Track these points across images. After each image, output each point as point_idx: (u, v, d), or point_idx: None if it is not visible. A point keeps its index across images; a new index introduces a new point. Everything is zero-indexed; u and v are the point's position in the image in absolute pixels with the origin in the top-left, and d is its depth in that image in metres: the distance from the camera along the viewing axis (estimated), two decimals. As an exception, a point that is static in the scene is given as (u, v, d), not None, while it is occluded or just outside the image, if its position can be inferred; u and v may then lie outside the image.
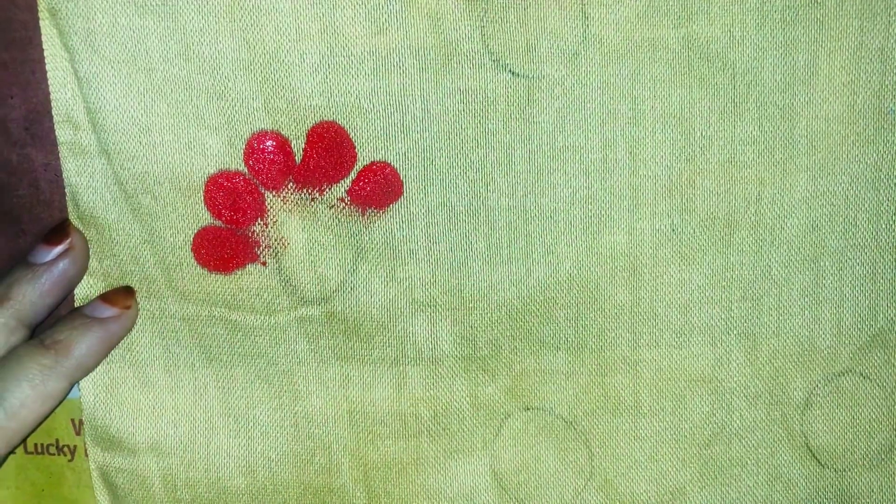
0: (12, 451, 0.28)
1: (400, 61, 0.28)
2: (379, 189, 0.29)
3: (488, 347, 0.30)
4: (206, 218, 0.29)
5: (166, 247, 0.29)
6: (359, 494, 0.30)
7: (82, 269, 0.29)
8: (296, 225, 0.29)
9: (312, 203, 0.29)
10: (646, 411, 0.30)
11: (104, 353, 0.28)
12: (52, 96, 0.28)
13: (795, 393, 0.30)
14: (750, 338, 0.29)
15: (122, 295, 0.29)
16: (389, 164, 0.28)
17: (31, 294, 0.28)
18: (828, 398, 0.30)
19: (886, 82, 0.28)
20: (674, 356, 0.30)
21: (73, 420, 0.30)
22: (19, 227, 0.30)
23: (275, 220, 0.29)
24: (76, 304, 0.29)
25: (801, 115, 0.28)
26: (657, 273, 0.29)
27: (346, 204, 0.29)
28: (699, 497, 0.31)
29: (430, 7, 0.27)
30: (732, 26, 0.27)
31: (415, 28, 0.27)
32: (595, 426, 0.30)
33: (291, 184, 0.29)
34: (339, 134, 0.28)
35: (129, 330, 0.29)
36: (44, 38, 0.28)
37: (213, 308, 0.29)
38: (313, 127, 0.28)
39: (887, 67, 0.28)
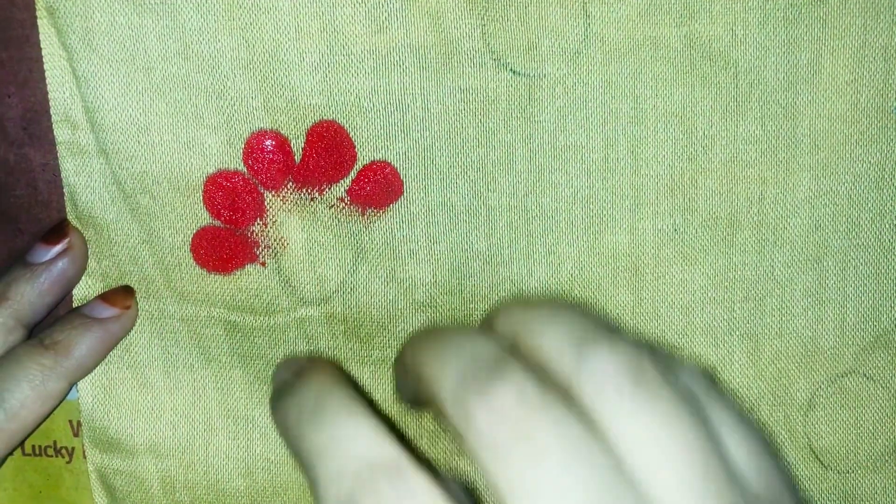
0: (11, 453, 0.28)
1: (400, 60, 0.27)
2: (379, 189, 0.28)
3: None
4: (204, 218, 0.29)
5: (165, 247, 0.29)
6: (359, 496, 0.30)
7: (81, 269, 0.29)
8: (295, 225, 0.29)
9: (312, 203, 0.29)
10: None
11: (104, 354, 0.28)
12: (50, 95, 0.28)
13: (798, 394, 0.30)
14: (752, 338, 0.29)
15: (121, 295, 0.29)
16: (389, 164, 0.28)
17: (30, 294, 0.28)
18: (831, 399, 0.30)
19: (890, 81, 0.27)
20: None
21: (71, 421, 0.30)
22: (17, 227, 0.30)
23: (274, 220, 0.29)
24: (74, 305, 0.29)
25: (804, 114, 0.28)
26: (659, 273, 0.29)
27: (346, 204, 0.29)
28: None
29: (431, 5, 0.27)
30: (735, 25, 0.27)
31: (415, 26, 0.27)
32: None
33: (291, 183, 0.28)
34: (339, 133, 0.28)
35: (129, 330, 0.29)
36: (42, 37, 0.27)
37: (211, 309, 0.29)
38: (313, 126, 0.28)
39: (891, 66, 0.27)
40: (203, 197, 0.28)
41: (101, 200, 0.28)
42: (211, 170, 0.28)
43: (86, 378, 0.29)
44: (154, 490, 0.30)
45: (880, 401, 0.29)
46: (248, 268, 0.29)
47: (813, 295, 0.29)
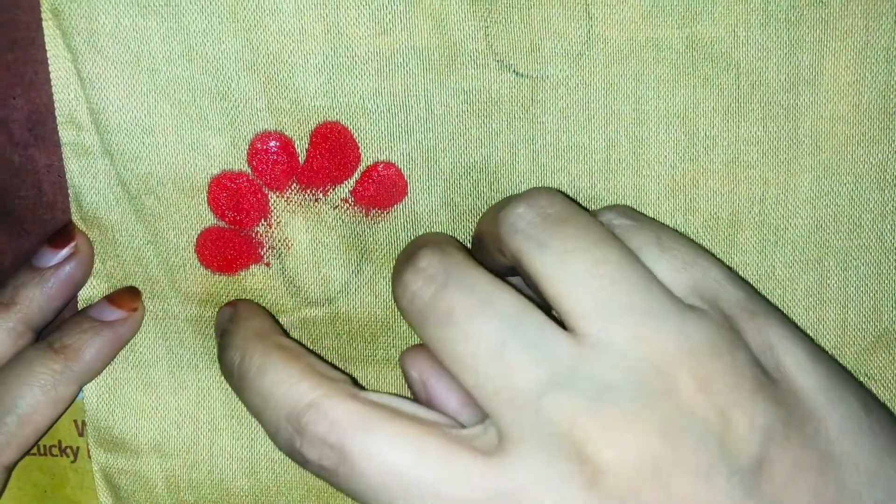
0: (22, 457, 0.28)
1: (404, 62, 0.27)
2: (383, 189, 0.29)
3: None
4: (209, 219, 0.29)
5: (170, 248, 0.29)
6: (362, 495, 0.30)
7: (87, 272, 0.29)
8: (299, 226, 0.29)
9: (316, 204, 0.29)
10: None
11: (112, 356, 0.29)
12: (55, 97, 0.28)
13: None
14: (754, 338, 0.29)
15: (128, 297, 0.29)
16: (393, 165, 0.28)
17: (38, 298, 0.28)
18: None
19: (892, 82, 0.28)
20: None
21: (76, 421, 0.30)
22: (22, 229, 0.30)
23: (278, 220, 0.29)
24: (78, 305, 0.29)
25: (806, 115, 0.28)
26: (661, 273, 0.29)
27: (350, 204, 0.29)
28: None
29: (434, 7, 0.27)
30: (737, 26, 0.27)
31: (419, 28, 0.27)
32: None
33: (295, 184, 0.29)
34: (343, 134, 0.28)
35: (136, 331, 0.29)
36: (47, 39, 0.27)
37: (216, 309, 0.29)
38: (317, 127, 0.28)
39: (893, 67, 0.27)
40: (207, 198, 0.28)
41: (106, 201, 0.29)
42: (215, 171, 0.28)
43: (90, 378, 0.29)
44: (158, 489, 0.30)
45: (882, 401, 0.30)
46: (253, 268, 0.29)
47: (814, 295, 0.29)
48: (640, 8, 0.27)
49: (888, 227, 0.29)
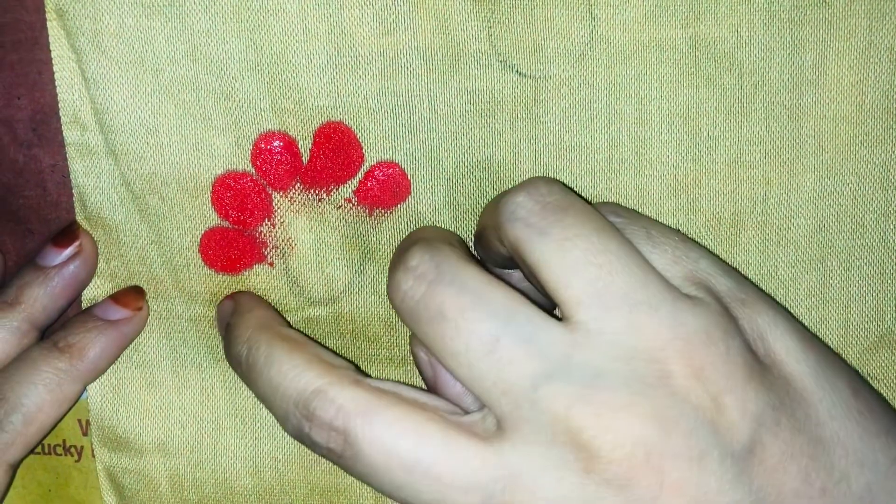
0: (27, 456, 0.28)
1: (407, 62, 0.28)
2: (386, 189, 0.29)
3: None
4: (213, 219, 0.29)
5: (174, 247, 0.29)
6: (365, 494, 0.30)
7: (92, 272, 0.29)
8: (303, 225, 0.29)
9: (320, 204, 0.29)
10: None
11: (117, 355, 0.29)
12: (60, 97, 0.28)
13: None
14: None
15: (132, 296, 0.29)
16: (396, 164, 0.28)
17: (43, 297, 0.28)
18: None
19: None
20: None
21: (80, 420, 0.30)
22: (27, 228, 0.30)
23: (282, 220, 0.29)
24: (82, 305, 0.29)
25: (809, 115, 0.28)
26: (664, 273, 0.29)
27: (354, 204, 0.29)
28: None
29: (438, 8, 0.27)
30: (740, 26, 0.27)
31: (422, 29, 0.27)
32: None
33: (299, 184, 0.29)
34: (347, 134, 0.28)
35: (140, 331, 0.29)
36: (51, 40, 0.28)
37: (220, 308, 0.29)
38: (320, 127, 0.28)
39: (896, 67, 0.28)
40: (211, 198, 0.29)
41: (110, 201, 0.29)
42: (219, 171, 0.28)
43: (94, 378, 0.29)
44: (162, 488, 0.30)
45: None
46: (257, 268, 0.29)
47: (817, 295, 0.29)
48: (642, 8, 0.27)
49: (891, 227, 0.29)
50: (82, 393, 0.28)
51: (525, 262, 0.22)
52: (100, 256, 0.29)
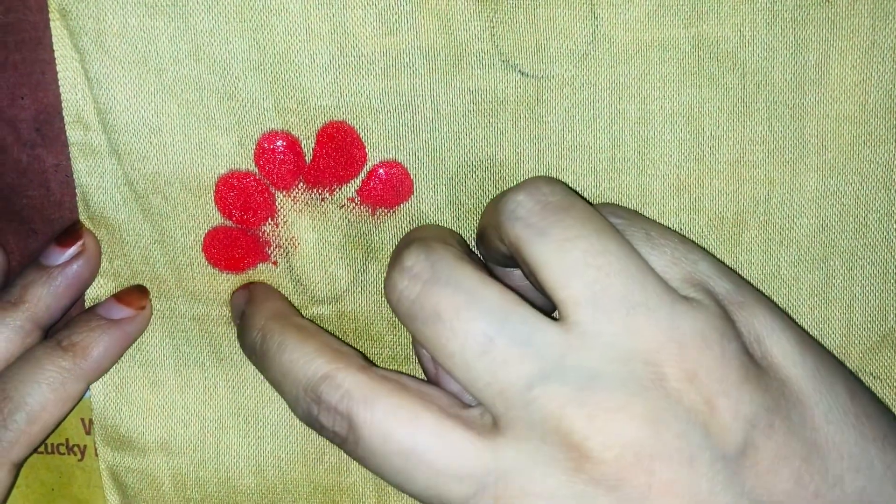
0: (30, 455, 0.28)
1: (410, 62, 0.28)
2: (389, 188, 0.29)
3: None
4: (216, 218, 0.29)
5: (177, 247, 0.29)
6: (368, 493, 0.31)
7: (95, 271, 0.29)
8: (306, 225, 0.29)
9: (323, 203, 0.29)
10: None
11: (120, 354, 0.29)
12: (63, 97, 0.28)
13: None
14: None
15: (136, 295, 0.29)
16: (399, 164, 0.28)
17: (46, 297, 0.28)
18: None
19: (898, 82, 0.28)
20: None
21: (83, 419, 0.31)
22: (30, 228, 0.30)
23: (285, 219, 0.29)
24: (86, 304, 0.29)
25: (812, 115, 0.28)
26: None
27: (356, 204, 0.29)
28: None
29: (441, 8, 0.27)
30: (742, 26, 0.27)
31: (425, 29, 0.27)
32: None
33: (302, 184, 0.29)
34: (349, 134, 0.28)
35: (143, 330, 0.29)
36: (54, 39, 0.28)
37: (223, 308, 0.29)
38: (323, 127, 0.28)
39: (899, 67, 0.28)
40: (215, 197, 0.29)
41: (114, 201, 0.29)
42: (222, 170, 0.28)
43: (97, 376, 0.29)
44: (165, 487, 0.31)
45: (887, 400, 0.30)
46: (260, 267, 0.29)
47: (819, 294, 0.29)
48: (645, 8, 0.27)
49: (894, 226, 0.29)
50: (86, 392, 0.28)
51: (524, 261, 0.23)
52: (103, 256, 0.29)
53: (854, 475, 0.22)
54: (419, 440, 0.22)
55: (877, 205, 0.28)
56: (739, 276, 0.24)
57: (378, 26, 0.27)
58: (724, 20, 0.27)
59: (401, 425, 0.22)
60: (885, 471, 0.22)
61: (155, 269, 0.29)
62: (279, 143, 0.28)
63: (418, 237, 0.24)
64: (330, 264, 0.29)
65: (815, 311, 0.29)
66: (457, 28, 0.27)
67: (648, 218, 0.25)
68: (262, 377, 0.27)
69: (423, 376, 0.28)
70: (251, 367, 0.30)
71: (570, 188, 0.24)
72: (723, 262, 0.25)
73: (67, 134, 0.28)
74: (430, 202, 0.29)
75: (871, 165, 0.28)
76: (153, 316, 0.30)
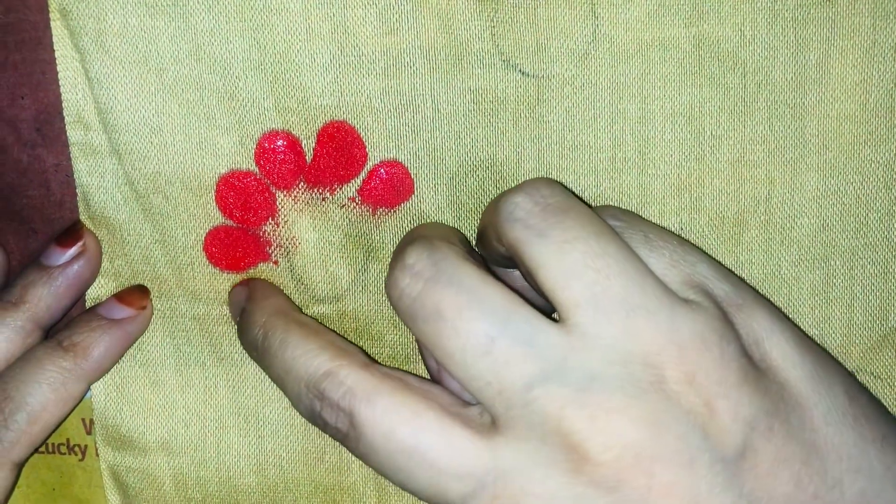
0: (31, 455, 0.28)
1: (411, 61, 0.28)
2: (389, 188, 0.29)
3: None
4: (217, 218, 0.29)
5: (178, 246, 0.29)
6: (369, 492, 0.31)
7: (96, 271, 0.29)
8: (307, 224, 0.29)
9: (323, 202, 0.29)
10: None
11: (121, 354, 0.29)
12: (63, 97, 0.28)
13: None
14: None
15: (136, 295, 0.29)
16: (400, 163, 0.28)
17: (47, 297, 0.28)
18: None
19: (899, 81, 0.28)
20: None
21: (83, 419, 0.31)
22: (30, 227, 0.30)
23: (286, 219, 0.29)
24: (86, 304, 0.29)
25: (813, 114, 0.28)
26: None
27: (357, 203, 0.29)
28: None
29: (441, 7, 0.27)
30: (743, 25, 0.27)
31: (426, 28, 0.27)
32: None
33: (302, 183, 0.29)
34: (350, 133, 0.28)
35: (144, 330, 0.29)
36: (55, 39, 0.28)
37: (223, 307, 0.29)
38: (324, 126, 0.28)
39: (900, 66, 0.28)
40: (215, 197, 0.29)
41: (114, 201, 0.29)
42: (223, 170, 0.28)
43: (98, 376, 0.29)
44: (166, 487, 0.31)
45: (887, 399, 0.30)
46: (261, 266, 0.29)
47: (820, 294, 0.29)
48: (646, 7, 0.27)
49: (895, 226, 0.29)
50: (86, 392, 0.28)
51: (523, 262, 0.23)
52: (104, 256, 0.29)
53: (853, 477, 0.22)
54: (421, 438, 0.22)
55: (878, 204, 0.28)
56: (738, 278, 0.24)
57: (378, 26, 0.27)
58: (724, 19, 0.27)
59: (402, 423, 0.22)
60: (884, 472, 0.22)
61: (156, 269, 0.29)
62: (280, 142, 0.28)
63: (421, 235, 0.24)
64: (331, 264, 0.29)
65: (816, 311, 0.29)
66: (457, 27, 0.27)
67: (647, 220, 0.25)
68: (263, 376, 0.27)
69: (425, 374, 0.28)
70: (252, 367, 0.30)
71: (570, 190, 0.24)
72: (722, 264, 0.25)
73: (68, 134, 0.28)
74: (430, 202, 0.29)
75: (872, 165, 0.28)
76: (154, 316, 0.30)
